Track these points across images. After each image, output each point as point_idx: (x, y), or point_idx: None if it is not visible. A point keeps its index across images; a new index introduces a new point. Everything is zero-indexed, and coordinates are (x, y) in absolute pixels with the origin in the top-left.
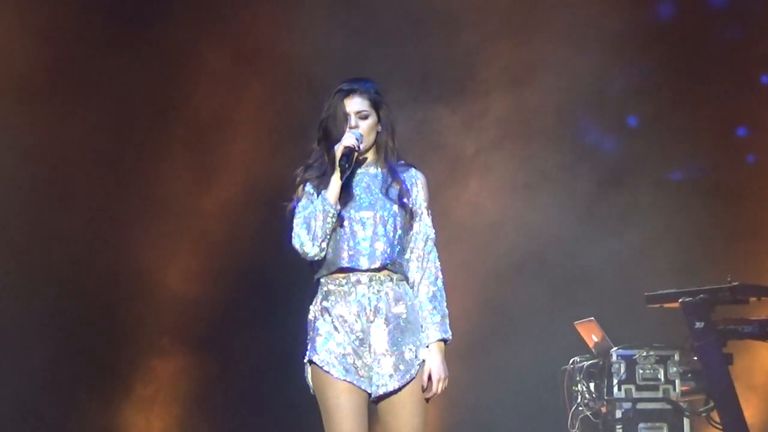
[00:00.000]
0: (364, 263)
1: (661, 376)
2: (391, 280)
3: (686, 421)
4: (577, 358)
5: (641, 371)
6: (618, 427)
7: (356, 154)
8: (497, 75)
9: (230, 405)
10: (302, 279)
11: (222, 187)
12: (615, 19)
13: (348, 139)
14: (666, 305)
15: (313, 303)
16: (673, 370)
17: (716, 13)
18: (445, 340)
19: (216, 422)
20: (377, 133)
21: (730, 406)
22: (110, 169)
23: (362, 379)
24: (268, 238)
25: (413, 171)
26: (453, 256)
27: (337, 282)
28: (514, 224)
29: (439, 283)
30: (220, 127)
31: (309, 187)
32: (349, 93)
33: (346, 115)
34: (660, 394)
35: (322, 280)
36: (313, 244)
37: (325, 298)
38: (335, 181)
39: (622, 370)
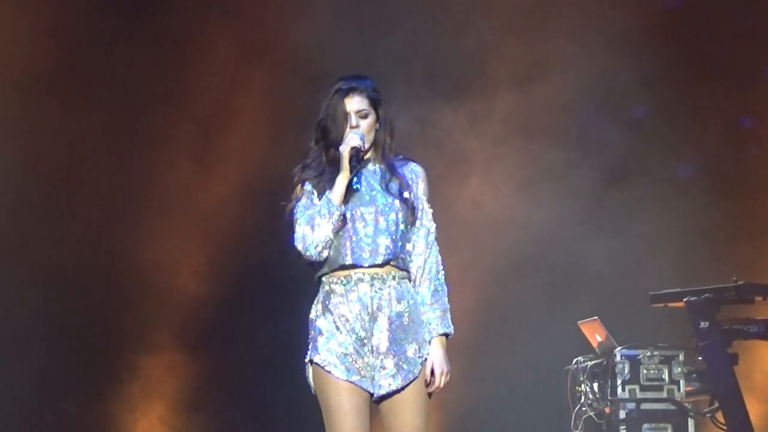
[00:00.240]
0: (366, 259)
1: (666, 376)
2: (394, 278)
3: (691, 422)
4: (580, 358)
5: (645, 371)
6: (622, 427)
7: (361, 153)
8: (502, 72)
9: (231, 404)
10: (304, 277)
11: (224, 182)
12: (621, 15)
13: (354, 140)
14: (670, 305)
15: (315, 302)
16: (677, 370)
17: (722, 3)
18: (446, 335)
19: (217, 421)
20: (375, 130)
21: (735, 406)
22: (112, 164)
23: (364, 379)
24: (270, 234)
25: (412, 165)
26: (455, 255)
27: (339, 280)
28: (516, 222)
29: (441, 277)
30: (224, 120)
31: (308, 186)
32: (348, 92)
33: (346, 115)
34: (664, 395)
35: (323, 278)
36: (317, 245)
37: (327, 297)
38: (341, 182)
39: (626, 370)
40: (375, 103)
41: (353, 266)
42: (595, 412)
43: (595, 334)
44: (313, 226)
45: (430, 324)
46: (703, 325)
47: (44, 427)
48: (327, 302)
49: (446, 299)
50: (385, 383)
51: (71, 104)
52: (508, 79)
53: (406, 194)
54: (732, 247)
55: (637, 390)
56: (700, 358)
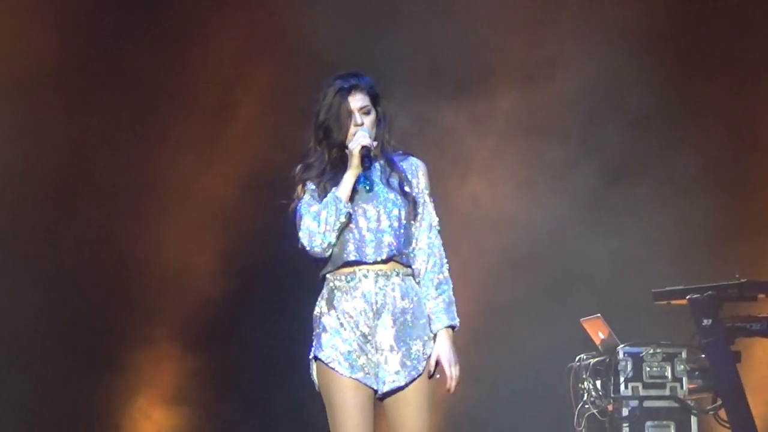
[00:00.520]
0: (370, 255)
1: (669, 373)
2: (398, 274)
3: (694, 420)
4: (583, 356)
5: (648, 369)
6: (625, 425)
7: (372, 151)
8: (503, 71)
9: (233, 401)
10: (308, 274)
11: (226, 178)
12: (622, 15)
13: (364, 138)
14: (673, 302)
15: (319, 298)
16: (680, 367)
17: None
18: (453, 327)
19: (218, 418)
20: (376, 126)
21: (738, 404)
22: (113, 160)
23: (368, 375)
24: (274, 231)
25: (412, 159)
26: (455, 253)
27: (343, 277)
28: (518, 221)
29: (445, 271)
30: (227, 115)
31: (311, 186)
32: (350, 90)
33: (350, 113)
34: (667, 392)
35: (328, 276)
36: (323, 241)
37: (331, 293)
38: (349, 179)
39: (629, 367)
40: (374, 100)
41: (357, 263)
42: (598, 409)
43: (597, 331)
44: (319, 222)
45: (435, 316)
46: (706, 322)
47: (45, 424)
48: (331, 299)
49: (451, 292)
50: (389, 380)
51: (73, 102)
52: (509, 78)
53: (406, 188)
54: (735, 244)
55: (640, 387)
56: (703, 355)
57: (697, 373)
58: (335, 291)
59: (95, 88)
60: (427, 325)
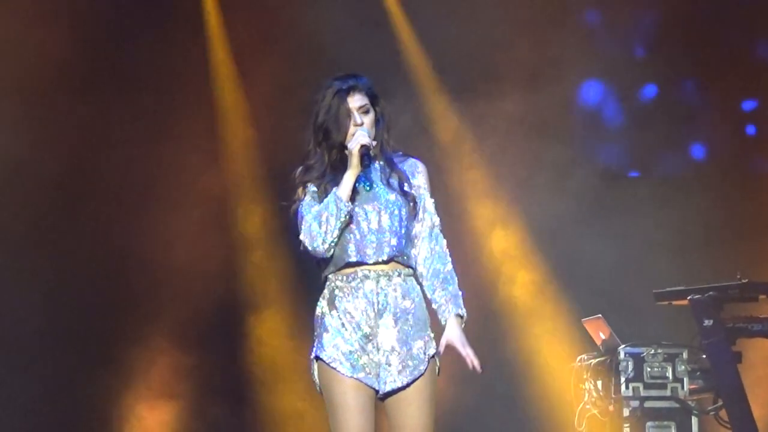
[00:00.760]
0: (371, 256)
1: (669, 374)
2: (399, 275)
3: (694, 420)
4: (584, 356)
5: (649, 369)
6: (626, 425)
7: (372, 151)
8: (505, 70)
9: (234, 400)
10: (310, 274)
11: (230, 174)
12: (624, 14)
13: (363, 138)
14: (674, 302)
15: (321, 299)
16: (681, 368)
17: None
18: (461, 316)
19: (218, 417)
20: (375, 127)
21: (739, 404)
22: (115, 157)
23: (369, 376)
24: (276, 229)
25: (412, 160)
26: (456, 253)
27: (345, 278)
28: (519, 220)
29: (449, 266)
30: (230, 110)
31: (312, 187)
32: (349, 91)
33: (349, 113)
34: (668, 393)
35: (329, 276)
36: (324, 241)
37: (333, 294)
38: (349, 179)
39: (630, 368)
40: (373, 100)
41: (358, 263)
42: (599, 409)
43: (598, 331)
44: (320, 222)
45: (443, 307)
46: (707, 323)
47: (46, 423)
48: (333, 299)
49: (457, 286)
50: (391, 380)
51: (77, 99)
52: (511, 78)
53: (406, 187)
54: (736, 245)
55: (641, 388)
56: (704, 356)
57: (698, 373)
58: (337, 291)
59: (99, 86)
60: (429, 325)
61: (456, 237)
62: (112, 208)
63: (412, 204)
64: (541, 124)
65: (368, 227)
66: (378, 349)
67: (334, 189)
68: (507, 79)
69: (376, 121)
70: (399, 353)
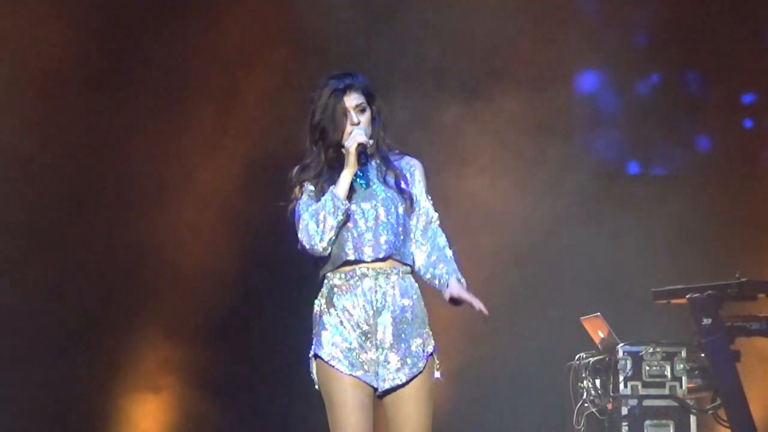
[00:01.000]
0: (368, 254)
1: (668, 372)
2: (397, 272)
3: (693, 419)
4: (582, 354)
5: (648, 368)
6: (624, 424)
7: (368, 149)
8: (505, 69)
9: (235, 398)
10: (308, 271)
11: (232, 170)
12: (625, 14)
13: (360, 136)
14: (673, 301)
15: (319, 297)
16: (679, 366)
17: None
18: (461, 282)
19: (218, 416)
20: (371, 125)
21: (737, 403)
22: (117, 154)
23: (368, 373)
24: (276, 227)
25: (408, 158)
26: (456, 252)
27: (343, 276)
28: (517, 218)
29: (449, 252)
30: (233, 106)
31: (308, 186)
32: (345, 90)
33: (346, 112)
34: (666, 391)
35: (328, 274)
36: (322, 239)
37: (331, 292)
38: (346, 177)
39: (629, 366)
40: (369, 98)
41: (356, 261)
42: (597, 408)
43: (597, 330)
44: (318, 221)
45: (442, 278)
46: (706, 321)
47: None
48: (331, 297)
49: (456, 266)
50: (390, 378)
51: (85, 97)
52: (511, 77)
53: (402, 185)
54: (735, 243)
55: (640, 386)
56: (703, 354)
57: (696, 372)
58: (335, 289)
59: (108, 83)
60: (427, 323)
61: (453, 235)
62: (121, 205)
63: (409, 201)
64: (539, 122)
65: (366, 225)
66: (376, 347)
67: (331, 187)
68: (507, 76)
69: (373, 120)
70: (397, 351)
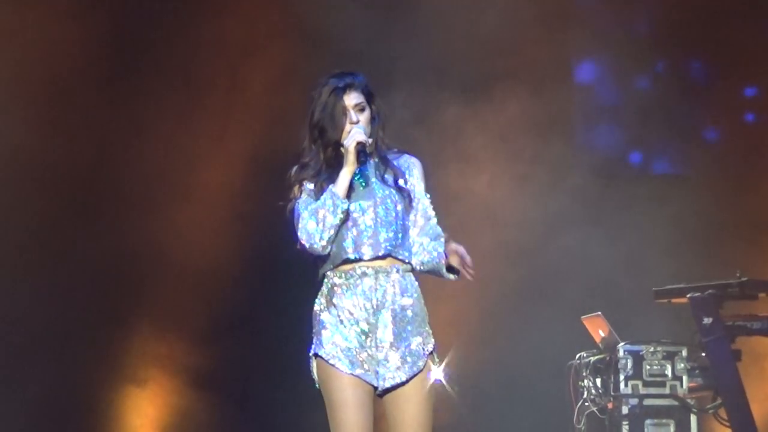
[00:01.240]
0: (368, 252)
1: (669, 372)
2: (397, 271)
3: (693, 418)
4: (583, 354)
5: (648, 367)
6: (624, 423)
7: (367, 147)
8: (507, 68)
9: (235, 397)
10: (308, 270)
11: (234, 166)
12: (624, 14)
13: (359, 135)
14: (674, 300)
15: (319, 295)
16: (680, 366)
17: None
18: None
19: (218, 416)
20: (370, 124)
21: (738, 402)
22: (123, 151)
23: (368, 372)
24: (273, 228)
25: (407, 156)
26: None
27: (343, 275)
28: (518, 217)
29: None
30: (235, 100)
31: (307, 185)
32: (345, 89)
33: (345, 111)
34: (667, 391)
35: (327, 273)
36: (322, 238)
37: (331, 291)
38: (345, 176)
39: (629, 365)
40: (369, 98)
41: (356, 260)
42: (598, 407)
43: (598, 329)
44: (318, 220)
45: (437, 251)
46: (707, 321)
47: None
48: (331, 296)
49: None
50: (390, 376)
51: (94, 96)
52: (511, 75)
53: (401, 183)
54: (736, 243)
55: (640, 386)
56: (703, 354)
57: (697, 371)
58: (335, 288)
59: (117, 83)
60: (427, 322)
61: (452, 233)
62: (122, 204)
63: (408, 199)
64: (540, 121)
65: (365, 224)
66: (376, 346)
67: (330, 186)
68: (508, 74)
69: (372, 120)
70: (398, 349)
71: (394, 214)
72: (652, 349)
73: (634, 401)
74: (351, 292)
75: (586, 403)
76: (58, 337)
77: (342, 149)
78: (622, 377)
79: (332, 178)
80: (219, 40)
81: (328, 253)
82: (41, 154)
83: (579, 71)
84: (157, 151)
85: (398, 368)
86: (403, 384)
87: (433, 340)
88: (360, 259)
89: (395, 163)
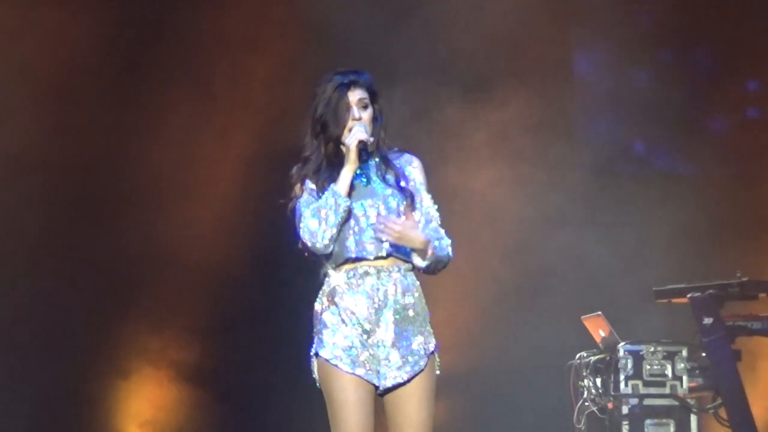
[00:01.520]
0: (370, 252)
1: (669, 372)
2: (399, 270)
3: (693, 418)
4: (583, 353)
5: (648, 367)
6: (624, 423)
7: (369, 146)
8: (507, 67)
9: (234, 397)
10: (309, 269)
11: (233, 163)
12: (625, 14)
13: (361, 133)
14: (674, 300)
15: (320, 295)
16: (680, 366)
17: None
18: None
19: (219, 415)
20: (372, 123)
21: (738, 402)
22: (125, 151)
23: (369, 372)
24: (273, 226)
25: (407, 156)
26: (456, 250)
27: (344, 274)
28: (518, 216)
29: (447, 248)
30: (237, 99)
31: (309, 184)
32: (350, 85)
33: (348, 107)
34: (667, 391)
35: (329, 273)
36: (324, 237)
37: (332, 290)
38: (347, 174)
39: (629, 365)
40: (373, 97)
41: (358, 259)
42: (598, 407)
43: (598, 329)
44: (319, 219)
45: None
46: (707, 321)
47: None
48: (332, 295)
49: (449, 251)
50: (391, 376)
51: (101, 98)
52: (512, 74)
53: (402, 183)
54: (736, 243)
55: (640, 385)
56: (704, 354)
57: (697, 371)
58: (336, 287)
59: (122, 85)
60: (429, 321)
61: (452, 232)
62: (123, 203)
63: (409, 199)
64: (540, 119)
65: (367, 223)
66: (378, 345)
67: (332, 185)
68: (508, 73)
69: (374, 119)
70: (399, 349)
71: (395, 214)
72: (652, 349)
73: (634, 401)
74: (353, 292)
75: (586, 403)
76: (60, 335)
77: (343, 147)
78: (622, 377)
79: (333, 176)
80: (221, 37)
81: (330, 253)
82: (44, 154)
83: (580, 69)
84: (159, 148)
85: (399, 368)
86: (404, 384)
87: (434, 339)
88: (362, 259)
89: (396, 163)
